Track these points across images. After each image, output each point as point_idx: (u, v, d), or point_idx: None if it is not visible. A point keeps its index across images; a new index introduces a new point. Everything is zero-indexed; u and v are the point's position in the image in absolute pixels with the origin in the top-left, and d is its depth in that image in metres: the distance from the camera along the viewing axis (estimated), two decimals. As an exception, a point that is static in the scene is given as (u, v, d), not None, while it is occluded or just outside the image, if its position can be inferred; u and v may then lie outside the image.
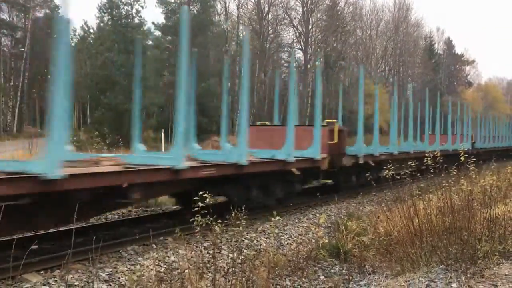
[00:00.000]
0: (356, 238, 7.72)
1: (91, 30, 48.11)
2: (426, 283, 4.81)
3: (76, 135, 31.17)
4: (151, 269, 5.75)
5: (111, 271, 5.72)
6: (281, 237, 8.29)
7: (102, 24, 37.45)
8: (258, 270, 5.63)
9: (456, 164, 7.19)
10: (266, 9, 46.75)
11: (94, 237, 5.08)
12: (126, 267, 5.90)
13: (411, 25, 62.25)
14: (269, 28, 46.91)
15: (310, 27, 48.09)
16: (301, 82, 41.33)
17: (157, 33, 41.11)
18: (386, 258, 6.41)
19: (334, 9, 49.79)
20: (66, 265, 5.34)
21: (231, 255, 6.37)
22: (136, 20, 36.53)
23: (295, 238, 8.34)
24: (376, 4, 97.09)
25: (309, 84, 42.87)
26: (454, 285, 4.71)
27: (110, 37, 34.16)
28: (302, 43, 48.04)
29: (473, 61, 77.29)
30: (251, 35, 46.38)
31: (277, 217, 5.31)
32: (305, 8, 47.77)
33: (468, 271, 5.02)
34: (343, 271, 6.80)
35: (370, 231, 7.97)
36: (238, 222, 4.79)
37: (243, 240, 7.46)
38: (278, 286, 5.86)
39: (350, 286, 5.92)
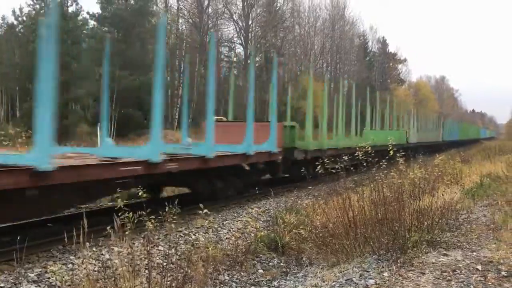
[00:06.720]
0: (294, 231, 7.83)
1: (23, 18, 45.39)
2: (360, 273, 4.96)
3: (4, 129, 29.41)
4: (84, 268, 5.53)
5: (40, 271, 5.46)
6: (220, 232, 8.26)
7: (34, 12, 35.50)
8: (196, 266, 5.57)
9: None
10: (206, 2, 46.25)
11: (19, 237, 4.80)
12: (57, 266, 5.65)
13: (347, 23, 63.86)
14: (209, 22, 46.46)
15: (250, 22, 48.16)
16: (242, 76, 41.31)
17: (92, 23, 39.52)
18: (322, 250, 6.55)
19: (273, 5, 50.10)
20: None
21: (168, 251, 6.25)
22: (71, 9, 34.97)
23: (234, 233, 8.33)
24: (313, 1, 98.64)
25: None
26: (385, 274, 4.88)
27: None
28: (242, 38, 48.05)
29: (405, 60, 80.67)
30: (191, 29, 45.71)
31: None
32: (245, 3, 47.71)
33: (398, 260, 5.24)
34: (281, 264, 6.88)
35: (308, 224, 8.11)
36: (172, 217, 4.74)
37: (181, 236, 7.36)
38: (216, 281, 5.83)
39: (288, 278, 6.00)
